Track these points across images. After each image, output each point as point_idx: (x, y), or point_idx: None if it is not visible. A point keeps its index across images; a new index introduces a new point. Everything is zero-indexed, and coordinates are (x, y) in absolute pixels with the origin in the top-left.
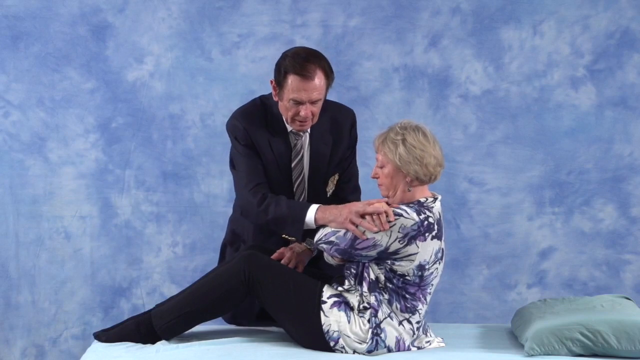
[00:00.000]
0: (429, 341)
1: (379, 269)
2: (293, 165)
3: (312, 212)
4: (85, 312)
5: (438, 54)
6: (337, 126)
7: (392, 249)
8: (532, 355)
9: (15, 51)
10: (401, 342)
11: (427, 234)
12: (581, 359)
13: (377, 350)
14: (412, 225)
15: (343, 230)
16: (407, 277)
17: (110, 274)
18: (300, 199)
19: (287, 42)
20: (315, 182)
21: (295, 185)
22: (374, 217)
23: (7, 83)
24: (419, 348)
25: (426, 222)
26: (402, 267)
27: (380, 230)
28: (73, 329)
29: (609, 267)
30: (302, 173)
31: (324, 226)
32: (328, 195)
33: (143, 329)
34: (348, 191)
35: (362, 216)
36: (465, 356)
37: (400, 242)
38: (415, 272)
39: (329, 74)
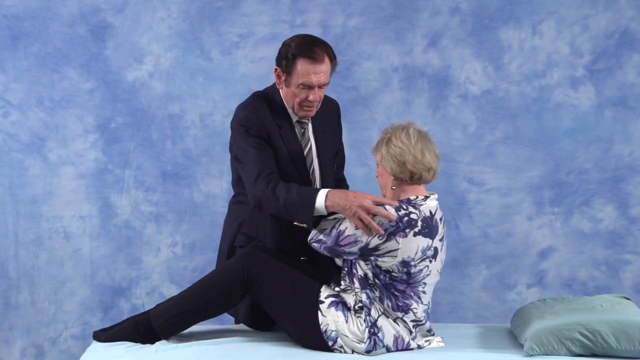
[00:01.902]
0: (428, 340)
1: (366, 264)
2: (305, 153)
3: (321, 197)
4: (84, 312)
5: (437, 54)
6: (328, 115)
7: (372, 245)
8: (531, 355)
9: (15, 51)
10: (399, 340)
11: (407, 230)
12: (581, 359)
13: (375, 350)
14: (389, 222)
15: (329, 228)
16: (394, 274)
17: (110, 274)
18: (315, 186)
19: None
20: (324, 169)
21: (310, 173)
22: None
23: (6, 83)
24: (419, 346)
25: (406, 219)
26: (386, 263)
27: (388, 219)
28: (72, 329)
29: (609, 267)
30: (313, 161)
31: (334, 213)
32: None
33: (142, 328)
34: (341, 175)
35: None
36: (464, 356)
37: (380, 238)
38: (400, 268)
39: (333, 59)
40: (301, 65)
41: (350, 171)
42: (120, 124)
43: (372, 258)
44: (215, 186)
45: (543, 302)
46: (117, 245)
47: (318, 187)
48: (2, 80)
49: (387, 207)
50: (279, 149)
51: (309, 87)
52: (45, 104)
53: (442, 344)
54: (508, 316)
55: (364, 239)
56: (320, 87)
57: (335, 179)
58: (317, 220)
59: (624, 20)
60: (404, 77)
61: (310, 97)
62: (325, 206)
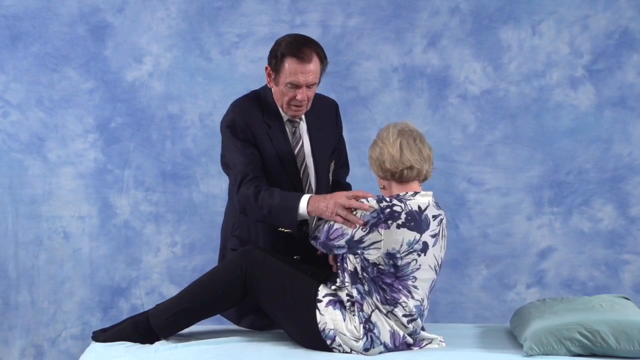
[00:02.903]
0: (430, 339)
1: (355, 258)
2: (296, 152)
3: (304, 202)
4: (84, 312)
5: (437, 54)
6: (324, 115)
7: (357, 237)
8: (531, 355)
9: (14, 51)
10: (396, 335)
11: (389, 222)
12: (580, 359)
13: (373, 347)
14: (371, 213)
15: (322, 224)
16: (381, 267)
17: (109, 274)
18: (307, 187)
19: None
20: (319, 168)
21: (301, 172)
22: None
23: (6, 83)
24: (415, 341)
25: (388, 210)
26: (372, 255)
27: (362, 210)
28: (72, 329)
29: (608, 267)
30: (305, 160)
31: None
32: (330, 183)
33: (141, 328)
34: (344, 177)
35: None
36: (464, 356)
37: (363, 230)
38: (386, 260)
39: (323, 59)
40: (289, 64)
41: (350, 171)
42: (119, 124)
43: (359, 251)
44: (215, 186)
45: (542, 302)
46: (116, 245)
47: (313, 185)
48: (1, 80)
49: (369, 198)
50: (267, 149)
51: (297, 86)
52: (45, 104)
53: (443, 344)
54: (507, 316)
55: (349, 231)
56: (308, 86)
57: (337, 183)
58: (301, 226)
59: (624, 20)
60: (404, 77)
61: (298, 97)
62: (308, 211)
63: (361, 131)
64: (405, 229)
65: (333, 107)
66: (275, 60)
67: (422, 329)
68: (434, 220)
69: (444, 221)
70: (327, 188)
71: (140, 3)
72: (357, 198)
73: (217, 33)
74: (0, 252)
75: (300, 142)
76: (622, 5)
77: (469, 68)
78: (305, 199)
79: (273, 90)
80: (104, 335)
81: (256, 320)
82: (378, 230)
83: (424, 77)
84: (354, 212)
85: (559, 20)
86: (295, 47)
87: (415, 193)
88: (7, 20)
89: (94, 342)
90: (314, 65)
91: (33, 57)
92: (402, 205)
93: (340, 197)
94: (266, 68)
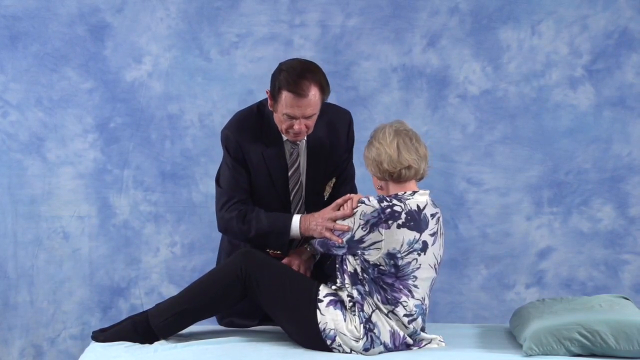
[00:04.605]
0: (429, 340)
1: (355, 259)
2: (290, 173)
3: (296, 224)
4: (83, 312)
5: (436, 54)
6: (334, 130)
7: (357, 237)
8: (530, 355)
9: (14, 51)
10: (396, 335)
11: (390, 222)
12: (579, 359)
13: (373, 348)
14: (372, 212)
15: None
16: (382, 267)
17: (109, 274)
18: (298, 206)
19: (286, 42)
20: (313, 189)
21: (293, 193)
22: (344, 205)
23: (5, 83)
24: (415, 341)
25: (388, 210)
26: (372, 256)
27: (347, 217)
28: (71, 329)
29: (608, 267)
30: (300, 180)
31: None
32: (325, 199)
33: (140, 328)
34: (345, 194)
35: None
36: (464, 356)
37: (363, 229)
38: (387, 261)
39: (324, 88)
40: (285, 97)
41: None
42: (119, 124)
43: (359, 252)
44: (214, 186)
45: (542, 302)
46: (116, 245)
47: (304, 206)
48: (1, 80)
49: (370, 198)
50: (260, 168)
51: (293, 117)
52: (44, 104)
53: (443, 344)
54: (507, 316)
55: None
56: (306, 117)
57: (334, 198)
58: (290, 245)
59: (623, 20)
60: (403, 77)
61: (295, 127)
62: (300, 232)
63: (360, 131)
64: (405, 229)
65: (346, 120)
66: (274, 89)
67: (423, 329)
68: (432, 218)
69: (441, 219)
70: (320, 207)
71: (140, 3)
72: (338, 207)
73: (217, 33)
74: None
75: (297, 163)
76: (622, 5)
77: (469, 68)
78: (296, 220)
79: (274, 114)
80: (104, 335)
81: (235, 320)
82: (379, 230)
83: (423, 77)
84: (355, 212)
85: (559, 20)
86: (293, 80)
87: (414, 192)
88: (7, 20)
89: (93, 342)
90: (312, 97)
91: (32, 57)
92: (402, 205)
93: (326, 212)
94: (267, 92)
